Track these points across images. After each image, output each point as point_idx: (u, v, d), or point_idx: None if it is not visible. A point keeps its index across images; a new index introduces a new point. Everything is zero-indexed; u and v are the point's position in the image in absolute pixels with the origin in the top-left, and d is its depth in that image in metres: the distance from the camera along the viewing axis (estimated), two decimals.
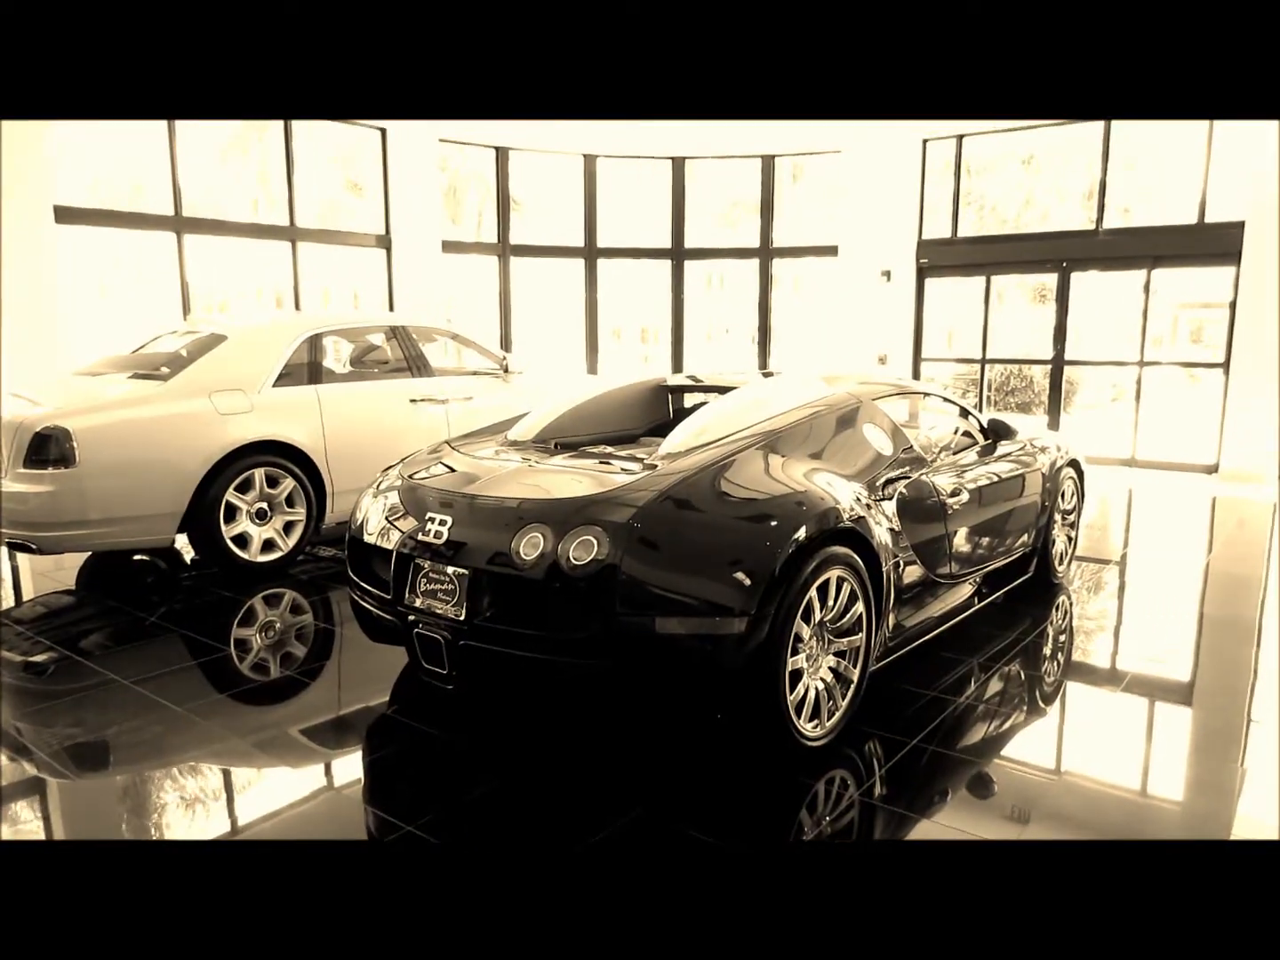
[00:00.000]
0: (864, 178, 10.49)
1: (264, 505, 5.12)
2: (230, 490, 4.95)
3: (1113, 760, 3.01)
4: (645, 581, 2.52)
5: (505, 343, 11.02)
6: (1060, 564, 4.85)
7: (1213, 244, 8.90)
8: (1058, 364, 9.98)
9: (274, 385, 5.24)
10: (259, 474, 5.07)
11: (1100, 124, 9.51)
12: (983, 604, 4.15)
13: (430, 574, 2.83)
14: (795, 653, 2.72)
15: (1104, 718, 3.37)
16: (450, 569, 2.77)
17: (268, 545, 5.13)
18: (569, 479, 2.97)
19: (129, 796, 2.85)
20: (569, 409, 3.77)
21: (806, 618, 2.75)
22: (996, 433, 4.37)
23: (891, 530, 3.20)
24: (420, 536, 2.86)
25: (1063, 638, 4.26)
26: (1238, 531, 6.83)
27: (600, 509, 2.64)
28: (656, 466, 2.89)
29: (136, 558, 5.51)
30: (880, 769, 2.87)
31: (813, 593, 2.73)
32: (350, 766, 3.04)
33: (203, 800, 2.82)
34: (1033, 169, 20.99)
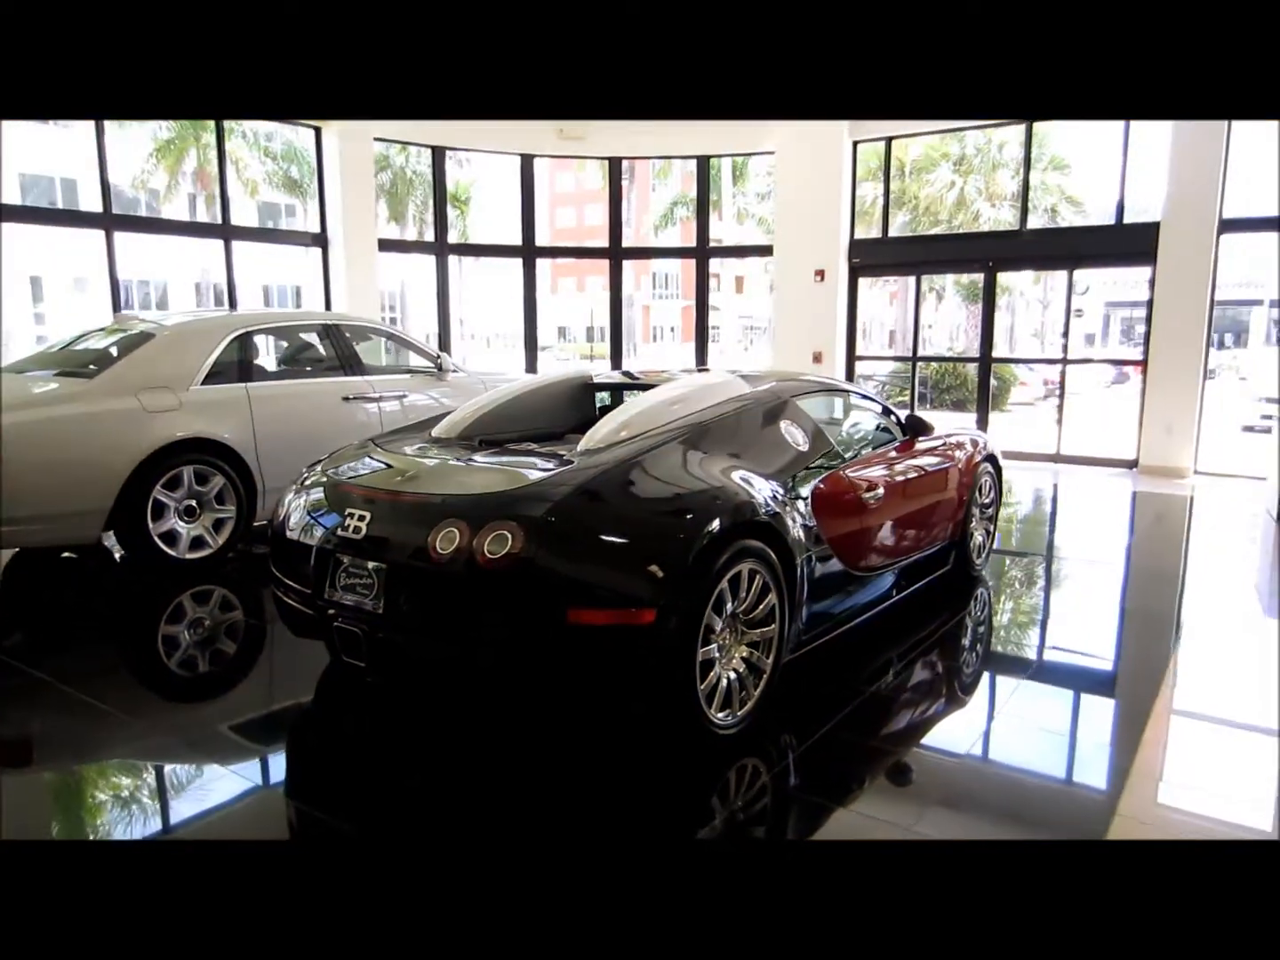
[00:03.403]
0: (797, 178, 10.67)
1: (193, 503, 5.10)
2: (158, 488, 4.92)
3: (1018, 747, 3.17)
4: (559, 574, 2.60)
5: (444, 341, 10.99)
6: (979, 557, 5.03)
7: (1131, 244, 9.24)
8: (985, 362, 10.27)
9: (203, 383, 5.22)
10: (188, 471, 5.05)
11: (1022, 127, 9.80)
12: (901, 596, 4.30)
13: (350, 569, 2.87)
14: (707, 643, 2.82)
15: (1013, 705, 3.53)
16: (369, 564, 2.82)
17: (197, 542, 5.10)
18: (487, 475, 3.04)
19: (53, 794, 2.86)
20: (493, 406, 3.83)
21: (718, 609, 2.85)
22: (914, 429, 4.52)
23: (806, 525, 3.31)
24: (340, 532, 2.90)
25: (979, 629, 4.43)
26: (1155, 526, 7.13)
27: (515, 504, 2.72)
28: (573, 462, 2.98)
29: (65, 555, 5.44)
30: (791, 756, 2.99)
31: (724, 585, 2.83)
32: (276, 762, 3.07)
33: (131, 798, 2.84)
34: (960, 170, 21.58)
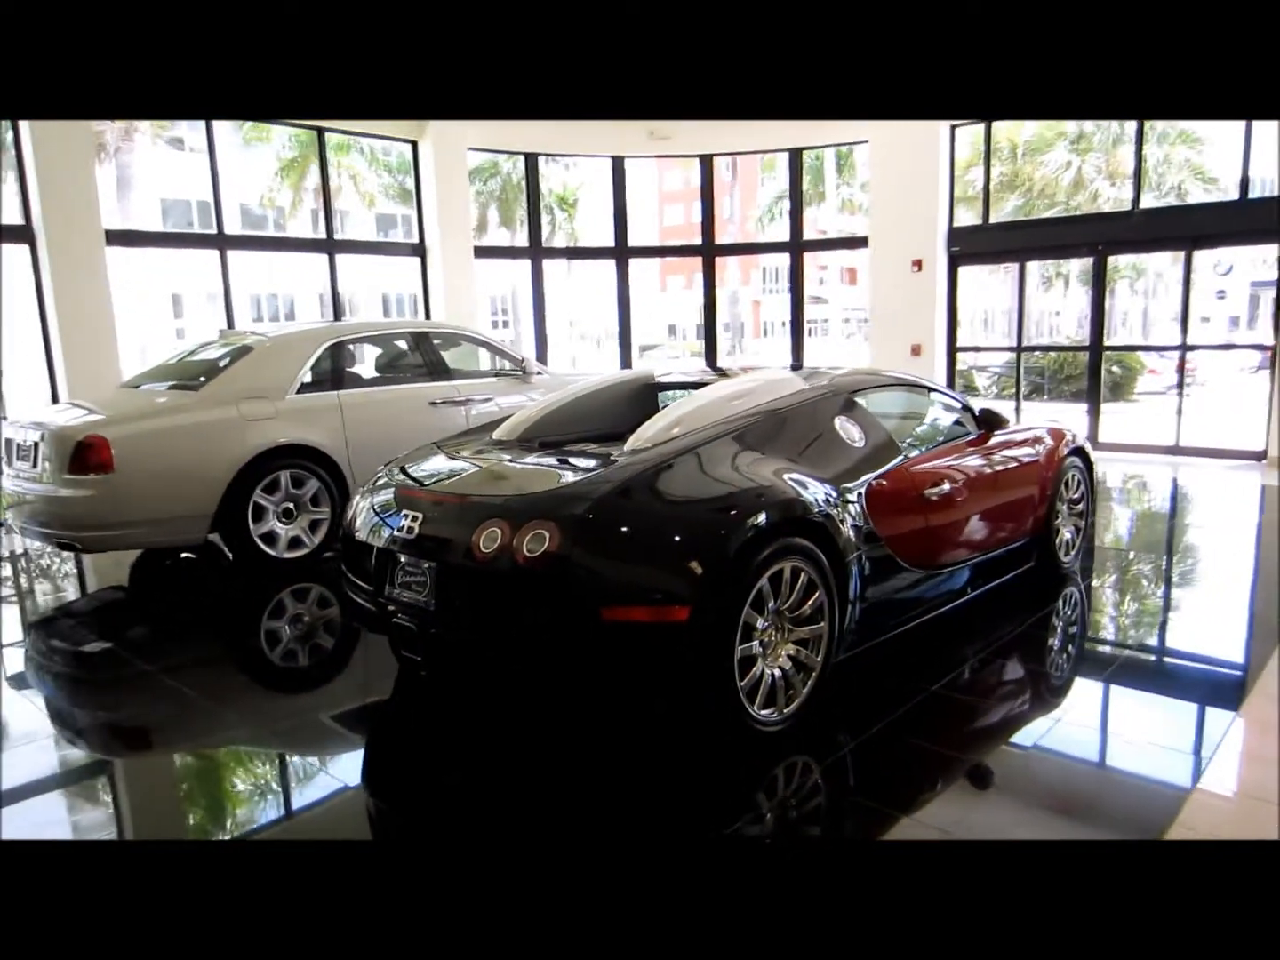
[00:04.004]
0: (892, 166, 10.42)
1: (290, 505, 5.40)
2: (258, 491, 5.24)
3: (1078, 749, 3.05)
4: (593, 571, 2.67)
5: (541, 343, 11.23)
6: (1066, 554, 4.82)
7: (1256, 220, 8.62)
8: (1096, 350, 9.78)
9: (298, 392, 5.52)
10: (284, 476, 5.35)
11: None
12: (977, 593, 4.18)
13: (406, 567, 3.01)
14: (748, 640, 2.83)
15: (1085, 709, 3.39)
16: (423, 563, 2.95)
17: (294, 543, 5.40)
18: (533, 476, 3.13)
19: (152, 776, 3.12)
20: (554, 408, 3.93)
21: (759, 606, 2.85)
22: (989, 424, 4.38)
23: (858, 523, 3.27)
24: (397, 532, 3.05)
25: (1067, 628, 4.25)
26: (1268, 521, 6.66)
27: (554, 503, 2.80)
28: (617, 461, 3.03)
29: (184, 555, 5.84)
30: (837, 755, 2.95)
31: (764, 582, 2.83)
32: (354, 758, 3.24)
33: (232, 786, 3.07)
34: (1078, 149, 20.49)
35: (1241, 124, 8.67)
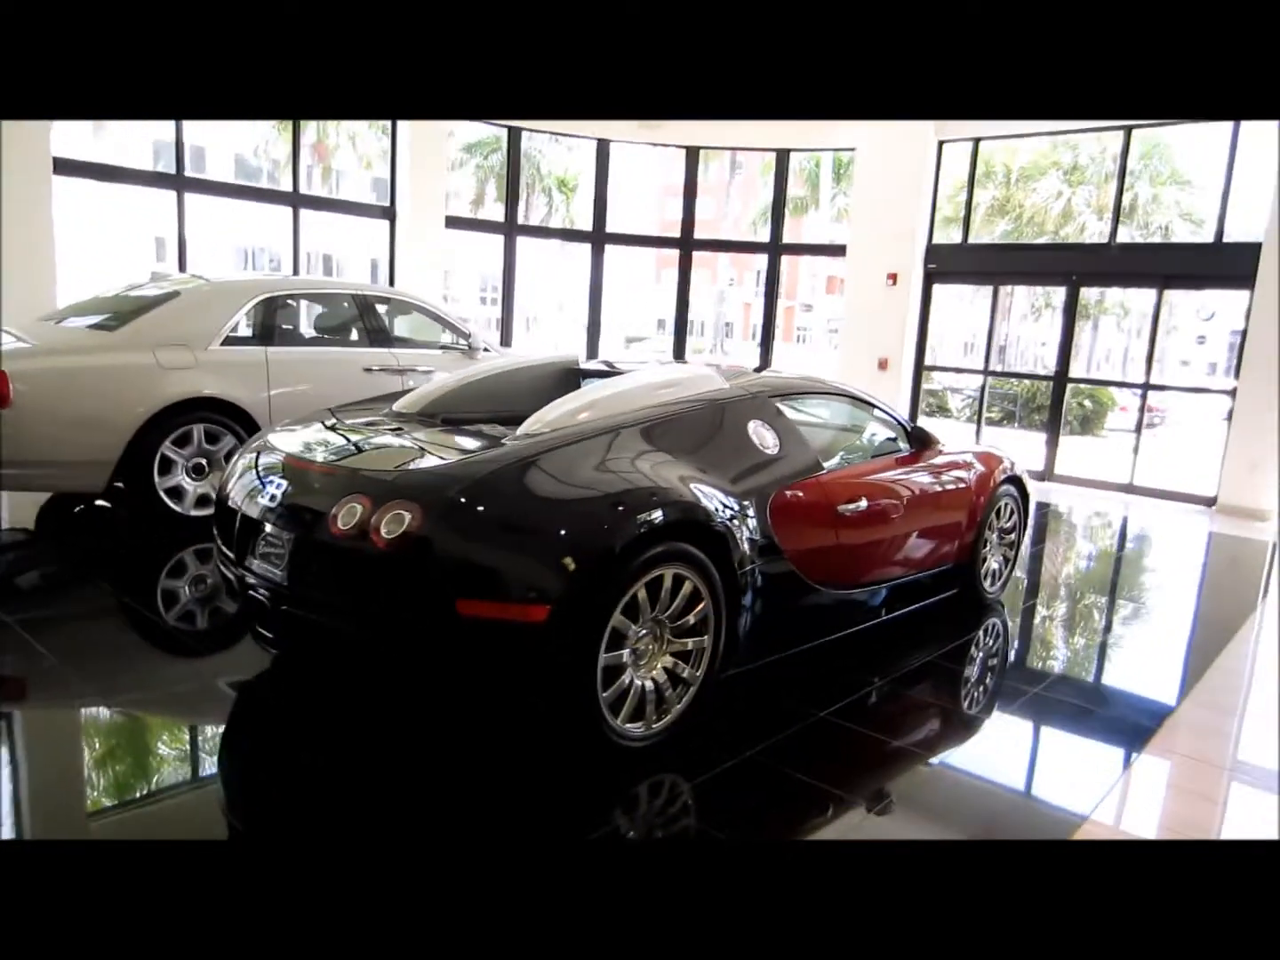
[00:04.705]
0: (876, 176, 10.29)
1: (202, 461, 5.18)
2: (167, 444, 5.01)
3: (957, 791, 2.92)
4: (455, 559, 2.49)
5: (507, 321, 11.02)
6: (992, 583, 4.71)
7: (1228, 265, 8.59)
8: (1060, 381, 9.71)
9: (223, 344, 5.29)
10: (198, 430, 5.13)
11: (1120, 135, 9.20)
12: (891, 617, 4.05)
13: (268, 538, 2.82)
14: (617, 648, 2.67)
15: (979, 749, 3.26)
16: (284, 534, 2.76)
17: (203, 500, 5.17)
18: (417, 452, 2.95)
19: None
20: (465, 384, 3.75)
21: (633, 613, 2.69)
22: (921, 441, 4.25)
23: (757, 534, 3.11)
24: (261, 500, 2.86)
25: (979, 660, 4.10)
26: (1216, 570, 6.60)
27: (424, 482, 2.62)
28: (505, 444, 2.86)
29: (99, 503, 5.58)
30: (695, 779, 2.78)
31: (640, 587, 2.66)
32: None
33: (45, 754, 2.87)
34: (1070, 180, 20.51)
35: (1223, 170, 8.61)
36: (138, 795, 2.61)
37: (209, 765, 2.82)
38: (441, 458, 2.86)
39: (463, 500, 2.54)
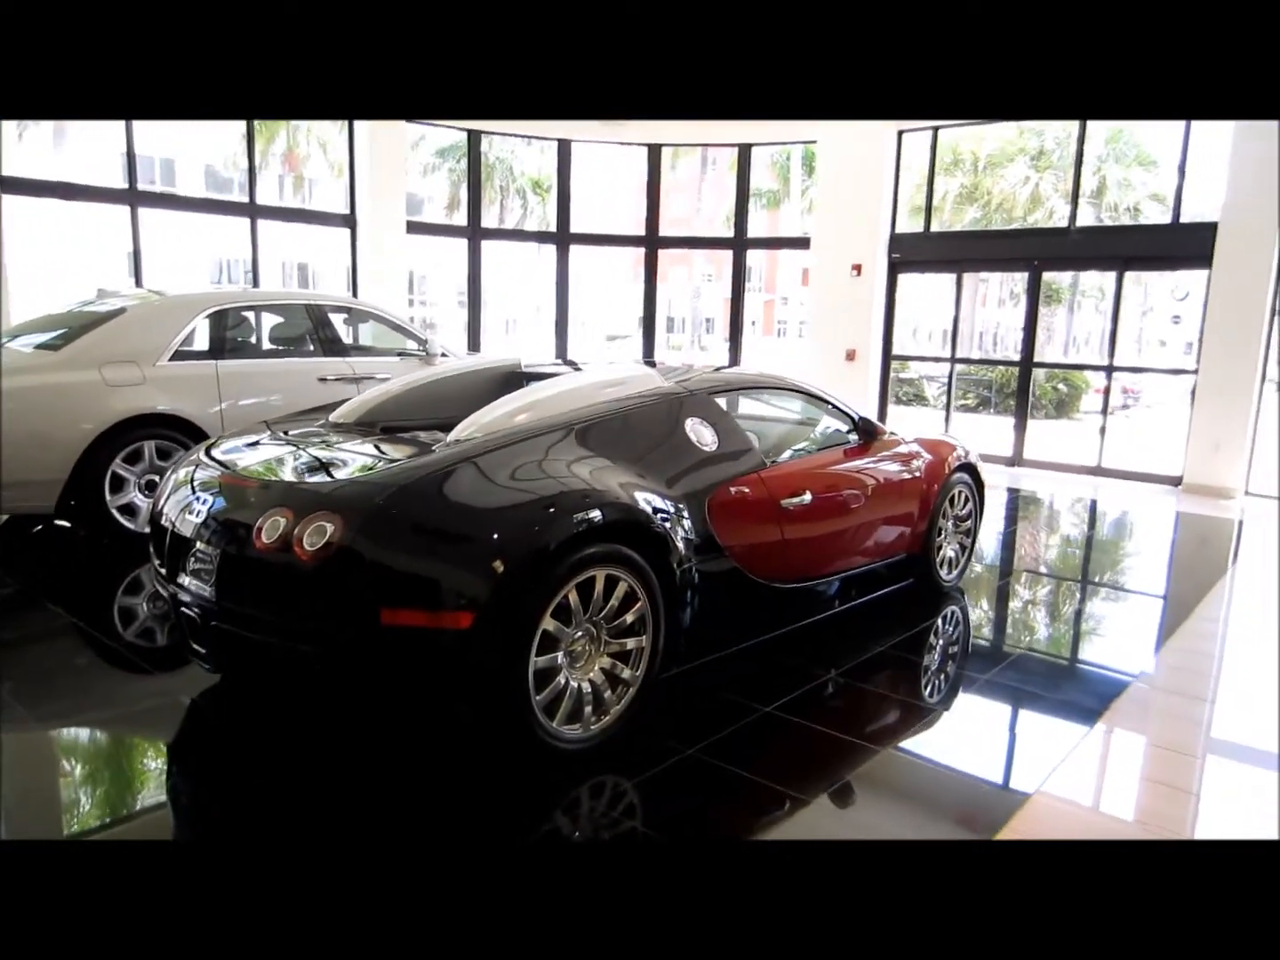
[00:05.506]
0: (837, 168, 10.30)
1: (155, 478, 5.13)
2: (118, 461, 4.98)
3: (905, 782, 2.93)
4: (378, 569, 2.47)
5: (474, 325, 10.98)
6: (949, 572, 4.72)
7: (1186, 246, 8.64)
8: (1026, 366, 9.75)
9: (171, 359, 5.25)
10: (149, 446, 5.09)
11: (1076, 123, 9.25)
12: (844, 608, 4.05)
13: (198, 553, 2.80)
14: (549, 651, 2.65)
15: (928, 736, 3.26)
16: (211, 549, 2.74)
17: None
18: (346, 462, 2.93)
19: None
20: (400, 391, 3.73)
21: (565, 616, 2.68)
22: (867, 433, 4.25)
23: (694, 533, 3.10)
24: (190, 515, 2.83)
25: (936, 649, 4.08)
26: (1198, 550, 6.64)
27: (347, 492, 2.60)
28: (434, 451, 2.84)
29: (58, 523, 5.52)
30: (639, 777, 2.77)
31: (570, 590, 2.65)
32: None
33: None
34: (1038, 166, 20.62)
35: (1178, 150, 8.66)
36: (95, 816, 2.59)
37: (159, 782, 2.80)
38: (369, 467, 2.84)
39: (385, 509, 2.52)
